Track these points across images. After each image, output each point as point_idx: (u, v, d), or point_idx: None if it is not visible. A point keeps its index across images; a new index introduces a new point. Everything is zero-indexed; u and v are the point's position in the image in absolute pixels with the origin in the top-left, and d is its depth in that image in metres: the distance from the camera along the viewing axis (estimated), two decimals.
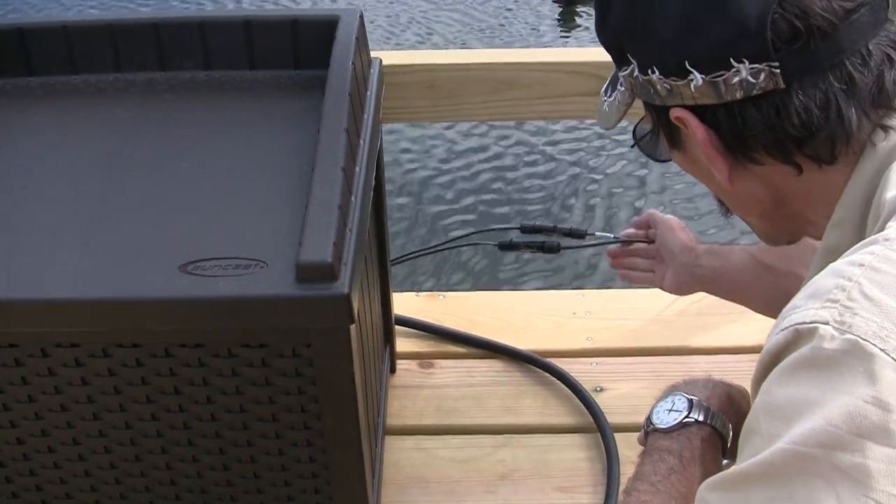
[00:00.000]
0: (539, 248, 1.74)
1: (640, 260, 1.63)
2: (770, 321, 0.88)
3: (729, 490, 0.82)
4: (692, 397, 1.16)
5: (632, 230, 1.65)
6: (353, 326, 1.14)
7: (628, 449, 1.65)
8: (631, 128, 1.19)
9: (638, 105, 1.08)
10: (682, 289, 1.58)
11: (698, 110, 0.96)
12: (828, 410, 0.75)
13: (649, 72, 0.97)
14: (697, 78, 0.93)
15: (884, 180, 0.91)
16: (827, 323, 0.78)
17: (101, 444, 1.29)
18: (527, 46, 6.05)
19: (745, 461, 0.81)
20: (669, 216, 1.61)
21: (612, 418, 1.67)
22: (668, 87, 0.96)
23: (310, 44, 1.39)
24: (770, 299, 1.34)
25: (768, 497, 0.78)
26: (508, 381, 1.80)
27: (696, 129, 0.96)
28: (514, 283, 3.85)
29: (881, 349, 0.75)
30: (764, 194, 1.01)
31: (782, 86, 0.90)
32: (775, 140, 0.93)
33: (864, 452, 0.73)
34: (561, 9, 6.81)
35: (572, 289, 3.49)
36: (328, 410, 1.23)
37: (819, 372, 0.77)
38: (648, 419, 1.18)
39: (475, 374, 1.82)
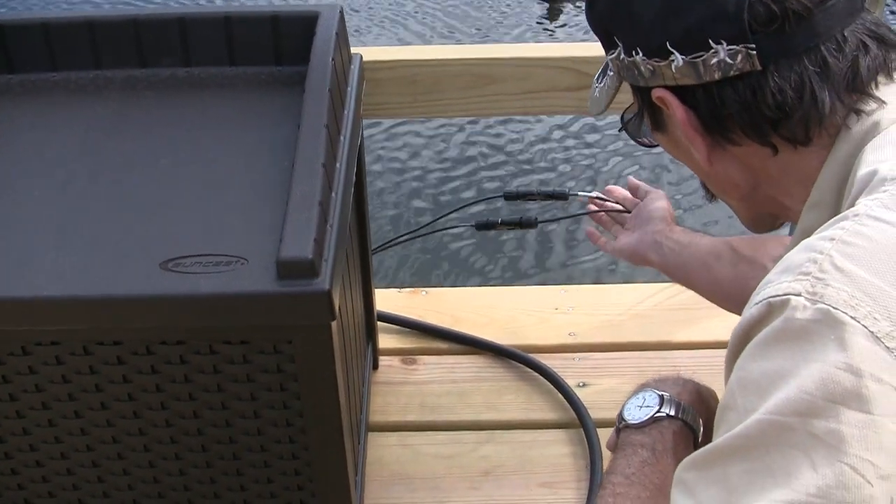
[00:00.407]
0: (517, 224, 1.76)
1: (608, 220, 1.63)
2: None
3: (706, 467, 0.83)
4: (663, 393, 1.18)
5: (615, 190, 1.66)
6: (334, 323, 1.14)
7: None
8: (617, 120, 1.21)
9: (626, 95, 1.11)
10: (634, 254, 1.55)
11: (679, 91, 0.99)
12: (801, 379, 0.76)
13: (633, 53, 1.01)
14: (678, 58, 0.96)
15: (857, 161, 0.93)
16: (799, 294, 0.79)
17: (83, 442, 1.28)
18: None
19: (721, 437, 0.82)
20: (658, 189, 1.62)
21: (594, 413, 1.67)
22: (651, 68, 1.00)
23: (290, 40, 1.39)
24: (738, 289, 1.33)
25: (745, 469, 0.79)
26: (492, 377, 1.81)
27: (675, 109, 0.99)
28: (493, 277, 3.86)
29: (852, 317, 0.76)
30: (741, 177, 1.04)
31: (759, 67, 0.93)
32: (751, 120, 0.96)
33: (838, 418, 0.75)
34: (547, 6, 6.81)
35: (555, 284, 3.49)
36: (310, 407, 1.23)
37: (791, 343, 0.79)
38: (620, 416, 1.19)
39: (458, 370, 1.82)
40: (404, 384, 1.79)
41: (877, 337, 0.76)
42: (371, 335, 1.76)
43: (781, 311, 0.80)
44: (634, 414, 1.17)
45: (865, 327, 0.76)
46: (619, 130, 1.24)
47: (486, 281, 3.86)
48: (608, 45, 1.07)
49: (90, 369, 1.20)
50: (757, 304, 0.83)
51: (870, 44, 0.95)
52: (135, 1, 6.82)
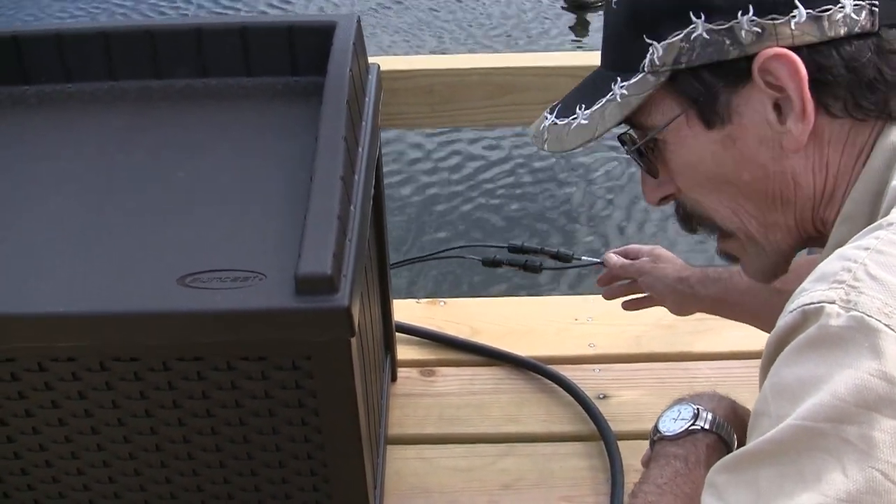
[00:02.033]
0: (521, 266, 1.76)
1: (634, 283, 1.63)
2: None
3: (737, 471, 0.82)
4: (698, 406, 1.16)
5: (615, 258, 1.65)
6: (353, 338, 1.12)
7: (632, 457, 1.64)
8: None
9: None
10: (683, 312, 1.60)
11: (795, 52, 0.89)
12: (834, 385, 0.75)
13: (738, 15, 0.89)
14: (802, 13, 0.87)
15: (892, 171, 0.90)
16: (833, 302, 0.78)
17: (99, 459, 1.27)
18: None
19: (753, 441, 0.81)
20: (651, 248, 1.62)
21: (615, 426, 1.65)
22: (760, 28, 0.89)
23: (307, 50, 1.38)
24: None
25: (777, 474, 0.78)
26: (511, 389, 1.79)
27: (799, 70, 0.88)
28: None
29: (885, 325, 0.75)
30: (812, 178, 0.96)
31: (876, 28, 0.88)
32: (863, 87, 0.89)
33: (871, 424, 0.74)
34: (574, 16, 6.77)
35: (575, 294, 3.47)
36: (329, 423, 1.21)
37: (825, 350, 0.77)
38: (655, 428, 1.18)
39: (477, 381, 1.81)
40: (423, 396, 1.78)
41: None
42: (389, 346, 1.75)
43: (816, 318, 0.79)
44: (669, 426, 1.16)
45: None
46: (633, 149, 1.05)
47: (504, 291, 3.83)
48: (668, 25, 0.93)
49: (106, 385, 1.18)
50: (791, 311, 0.81)
51: None
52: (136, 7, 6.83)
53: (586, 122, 1.02)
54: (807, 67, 0.88)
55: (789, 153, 0.93)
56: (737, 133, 0.95)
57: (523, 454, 1.65)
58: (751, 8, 0.89)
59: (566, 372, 1.77)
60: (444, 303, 1.98)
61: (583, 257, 1.72)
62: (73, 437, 1.25)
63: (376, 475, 1.48)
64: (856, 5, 0.87)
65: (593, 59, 1.57)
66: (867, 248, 0.81)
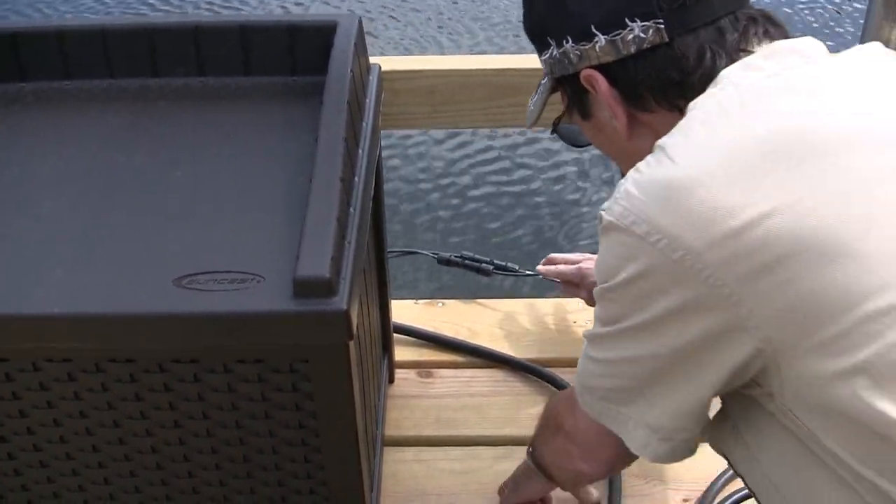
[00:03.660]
0: (475, 269, 1.93)
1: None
2: None
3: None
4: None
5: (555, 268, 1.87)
6: (351, 341, 1.11)
7: None
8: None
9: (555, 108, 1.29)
10: None
11: (601, 69, 1.15)
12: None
13: (564, 42, 1.16)
14: (601, 38, 1.13)
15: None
16: (604, 210, 1.05)
17: (94, 460, 1.26)
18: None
19: None
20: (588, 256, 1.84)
21: None
22: (579, 52, 1.15)
23: (307, 50, 1.37)
24: None
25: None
26: (509, 391, 1.78)
27: (600, 84, 1.15)
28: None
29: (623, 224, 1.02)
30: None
31: (666, 40, 1.11)
32: (661, 85, 1.12)
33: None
34: None
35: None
36: (326, 426, 1.21)
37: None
38: None
39: (475, 383, 1.80)
40: (420, 398, 1.77)
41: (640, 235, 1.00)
42: (387, 348, 1.74)
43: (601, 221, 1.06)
44: None
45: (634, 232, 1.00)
46: (552, 133, 1.39)
47: (504, 293, 3.80)
48: (543, 48, 1.22)
49: (102, 387, 1.17)
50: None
51: (759, 18, 1.13)
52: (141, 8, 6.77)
53: (532, 107, 1.33)
54: (614, 78, 1.15)
55: (627, 138, 1.18)
56: (598, 125, 1.23)
57: (521, 457, 1.63)
58: (569, 38, 1.16)
59: (564, 375, 1.76)
60: (443, 304, 1.97)
61: (526, 271, 1.92)
62: (68, 439, 1.24)
63: (373, 478, 1.48)
64: (643, 26, 1.10)
65: None
66: (637, 170, 1.04)
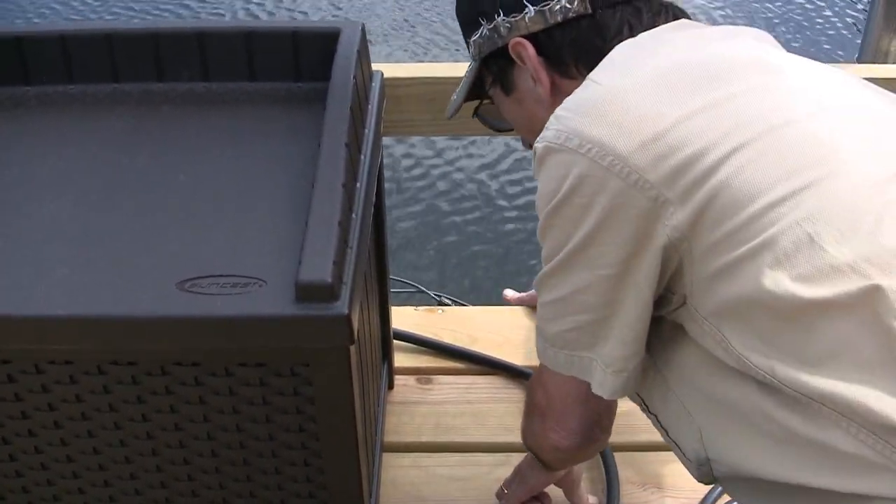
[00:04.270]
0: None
1: None
2: None
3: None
4: None
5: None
6: (352, 346, 1.12)
7: (628, 468, 1.64)
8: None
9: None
10: None
11: (529, 38, 1.25)
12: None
13: (496, 16, 1.26)
14: (531, 9, 1.23)
15: None
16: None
17: (95, 462, 1.27)
18: None
19: None
20: None
21: (611, 437, 1.64)
22: (509, 24, 1.25)
23: (310, 56, 1.38)
24: None
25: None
26: (508, 398, 1.79)
27: (529, 50, 1.24)
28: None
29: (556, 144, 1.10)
30: None
31: (589, 11, 1.21)
32: (584, 51, 1.22)
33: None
34: None
35: None
36: (326, 430, 1.21)
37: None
38: None
39: (474, 390, 1.81)
40: (419, 404, 1.77)
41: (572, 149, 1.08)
42: (387, 354, 1.75)
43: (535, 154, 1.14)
44: None
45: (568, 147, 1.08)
46: (473, 116, 1.48)
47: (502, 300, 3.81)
48: (473, 29, 1.31)
49: (104, 389, 1.18)
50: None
51: (669, 7, 1.24)
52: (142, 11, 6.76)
53: (455, 97, 1.43)
54: (540, 46, 1.24)
55: (548, 105, 1.22)
56: (520, 97, 1.32)
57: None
58: (501, 11, 1.26)
59: None
60: (443, 311, 1.98)
61: None
62: (68, 441, 1.24)
63: (372, 483, 1.48)
64: None
65: None
66: (564, 106, 1.13)
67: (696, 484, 1.22)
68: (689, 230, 1.03)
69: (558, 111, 1.12)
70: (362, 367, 1.30)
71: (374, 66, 1.47)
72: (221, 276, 1.10)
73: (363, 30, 1.38)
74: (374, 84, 1.44)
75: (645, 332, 1.14)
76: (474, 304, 1.93)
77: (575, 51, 1.23)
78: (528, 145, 1.32)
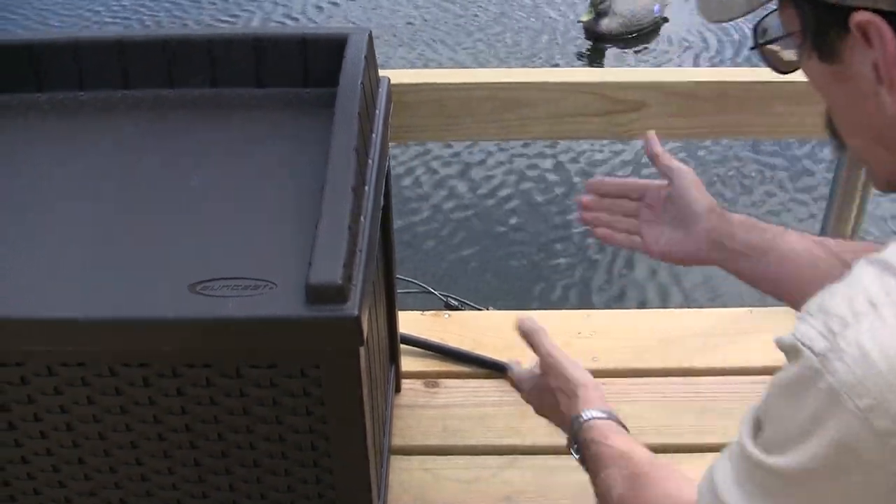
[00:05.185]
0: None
1: (623, 217, 1.36)
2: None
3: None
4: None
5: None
6: (362, 348, 1.13)
7: None
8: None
9: None
10: (692, 257, 1.29)
11: (884, 17, 0.78)
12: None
13: None
14: None
15: None
16: (816, 354, 0.73)
17: (106, 464, 1.28)
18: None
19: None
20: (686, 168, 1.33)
21: None
22: None
23: (318, 62, 1.39)
24: None
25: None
26: (513, 401, 1.78)
27: (888, 37, 0.78)
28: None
29: (852, 407, 0.71)
30: None
31: None
32: None
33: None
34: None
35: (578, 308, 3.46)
36: (335, 431, 1.22)
37: (804, 398, 0.74)
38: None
39: (480, 393, 1.82)
40: (426, 407, 1.79)
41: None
42: (394, 358, 1.76)
43: (798, 359, 0.74)
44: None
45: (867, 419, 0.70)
46: (751, 49, 0.98)
47: (511, 305, 3.81)
48: None
49: (115, 391, 1.19)
50: (792, 333, 0.76)
51: None
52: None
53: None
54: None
55: (889, 112, 0.82)
56: (843, 76, 0.86)
57: (525, 466, 1.66)
58: None
59: None
60: (449, 315, 1.99)
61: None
62: (80, 442, 1.26)
63: (380, 485, 1.49)
64: None
65: (601, 75, 1.59)
66: (873, 304, 0.72)
67: None
68: None
69: (866, 340, 0.70)
70: (371, 370, 1.31)
71: (381, 73, 1.48)
72: (233, 278, 1.12)
73: (370, 36, 1.39)
74: (381, 90, 1.45)
75: None
76: (479, 305, 1.91)
77: None
78: (832, 132, 0.96)
